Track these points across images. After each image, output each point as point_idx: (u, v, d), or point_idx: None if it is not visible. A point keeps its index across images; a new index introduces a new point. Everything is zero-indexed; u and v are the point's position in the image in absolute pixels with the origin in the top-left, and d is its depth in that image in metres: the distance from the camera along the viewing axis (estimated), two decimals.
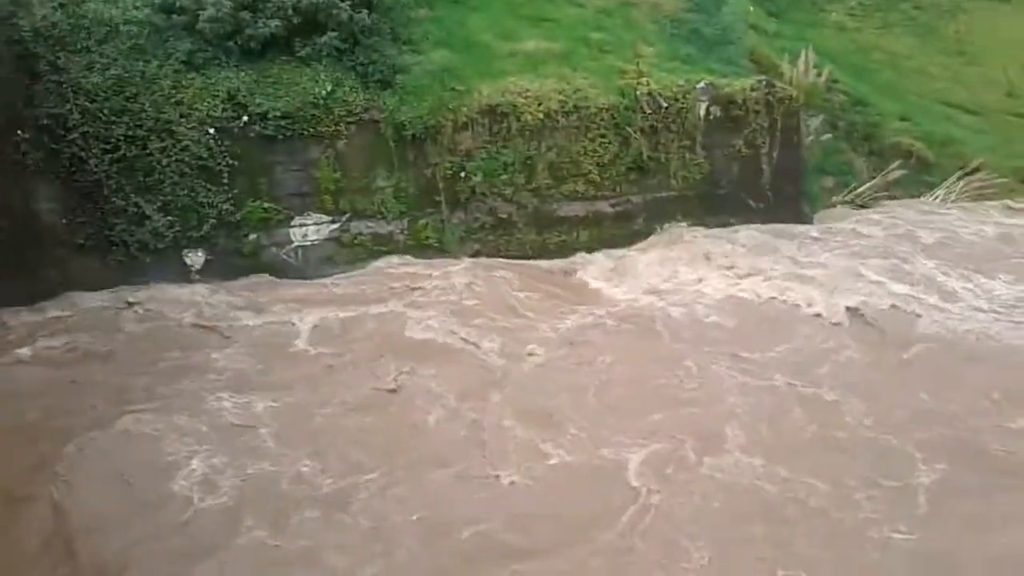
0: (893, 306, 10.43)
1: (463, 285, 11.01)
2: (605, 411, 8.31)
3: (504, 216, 12.22)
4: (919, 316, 10.19)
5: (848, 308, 10.34)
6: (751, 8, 16.61)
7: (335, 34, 12.03)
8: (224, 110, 11.36)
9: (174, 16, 11.76)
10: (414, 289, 11.04)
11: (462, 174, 12.12)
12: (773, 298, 10.75)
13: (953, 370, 9.01)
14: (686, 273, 11.64)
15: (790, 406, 8.37)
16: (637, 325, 10.28)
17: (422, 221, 12.10)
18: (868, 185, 14.02)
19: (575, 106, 12.55)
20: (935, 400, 8.42)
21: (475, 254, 11.99)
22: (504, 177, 12.18)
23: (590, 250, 12.36)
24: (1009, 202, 14.24)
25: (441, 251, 11.95)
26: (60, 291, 10.57)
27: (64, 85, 10.77)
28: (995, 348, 9.47)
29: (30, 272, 10.45)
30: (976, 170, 14.20)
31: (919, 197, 14.15)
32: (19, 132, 10.53)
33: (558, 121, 12.40)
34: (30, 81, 10.70)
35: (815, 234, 12.89)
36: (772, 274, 11.43)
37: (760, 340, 9.74)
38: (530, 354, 9.49)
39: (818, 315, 10.27)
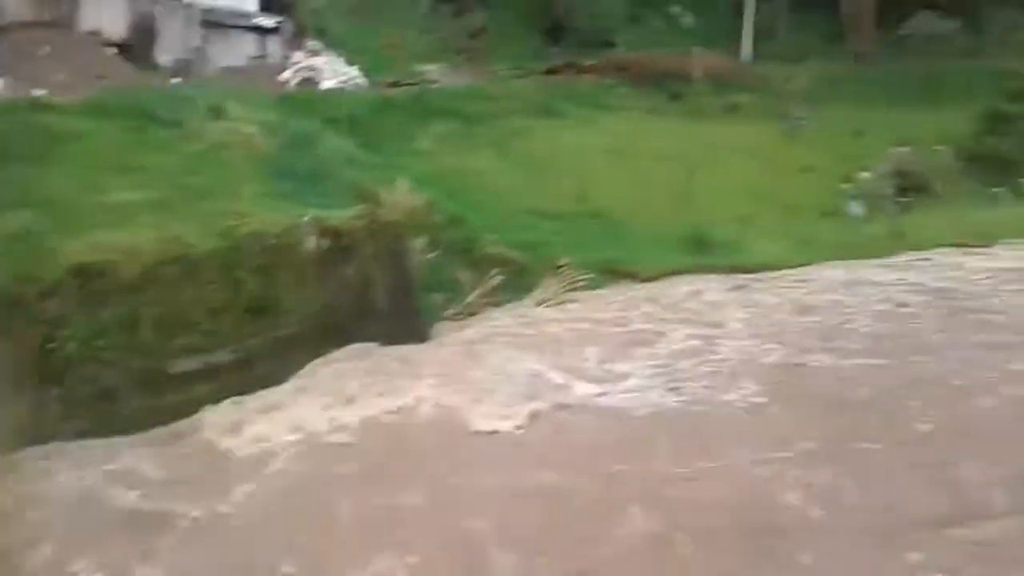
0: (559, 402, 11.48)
1: None
2: (326, 548, 8.47)
3: (109, 385, 11.24)
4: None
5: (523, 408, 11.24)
6: (345, 142, 17.37)
7: None
8: None
9: None
10: None
11: (53, 344, 11.02)
12: (440, 414, 11.24)
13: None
14: (338, 409, 11.52)
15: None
16: (304, 470, 10.21)
17: (8, 407, 10.71)
18: (474, 295, 15.04)
19: (177, 255, 12.07)
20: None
21: (81, 433, 10.83)
22: (103, 341, 11.27)
23: (213, 403, 11.68)
24: (600, 291, 16.02)
25: (38, 437, 10.64)
26: None
27: None
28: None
29: None
30: (563, 269, 15.85)
31: (521, 300, 15.42)
32: None
33: (160, 273, 11.82)
34: None
35: (452, 347, 13.53)
36: (434, 390, 11.82)
37: (450, 460, 10.12)
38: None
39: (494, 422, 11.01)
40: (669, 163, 19.61)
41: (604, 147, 20.21)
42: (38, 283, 11.02)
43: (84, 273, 11.33)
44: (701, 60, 25.47)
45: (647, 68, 25.41)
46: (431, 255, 15.16)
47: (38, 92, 16.51)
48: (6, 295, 10.78)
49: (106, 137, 14.98)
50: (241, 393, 11.93)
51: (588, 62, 25.53)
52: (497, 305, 15.07)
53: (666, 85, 25.12)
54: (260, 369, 12.33)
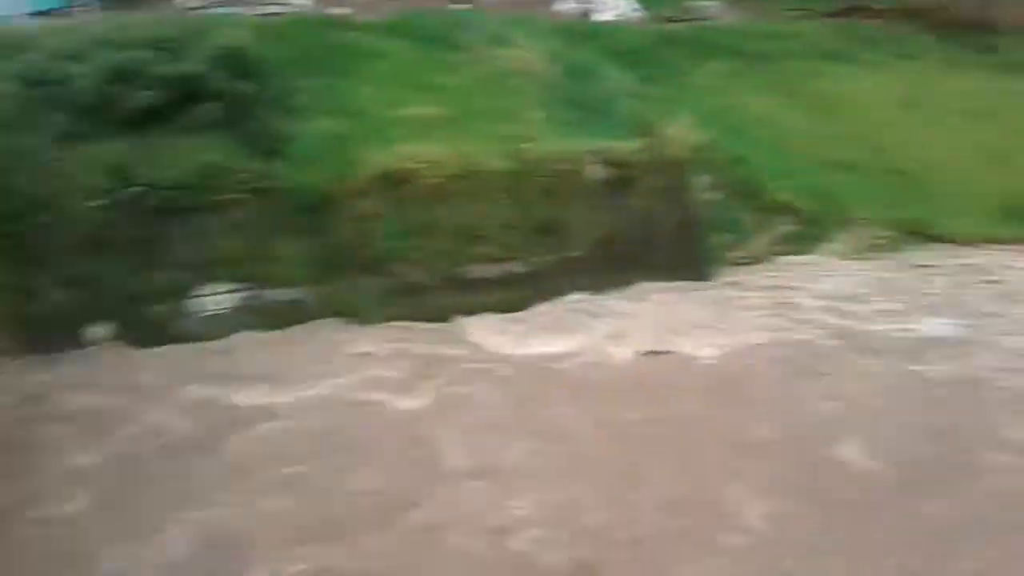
0: None
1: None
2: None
3: (414, 281, 11.73)
4: None
5: None
6: (625, 75, 16.91)
7: (216, 104, 11.43)
8: (110, 182, 10.56)
9: (45, 89, 11.01)
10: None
11: (365, 240, 11.56)
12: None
13: None
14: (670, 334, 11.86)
15: None
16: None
17: (329, 287, 11.48)
18: (761, 241, 14.22)
19: (471, 170, 12.26)
20: None
21: (389, 320, 11.53)
22: (408, 242, 11.70)
23: (503, 311, 12.01)
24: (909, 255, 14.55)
25: (354, 317, 11.36)
26: None
27: None
28: None
29: None
30: (858, 224, 14.60)
31: (810, 252, 14.37)
32: None
33: (456, 185, 12.05)
34: None
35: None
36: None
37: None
38: None
39: None
40: (978, 120, 17.56)
41: (900, 97, 18.40)
42: (350, 184, 11.55)
43: (391, 178, 11.79)
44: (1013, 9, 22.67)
45: (947, 16, 22.95)
46: (714, 194, 14.49)
47: (343, 10, 17.22)
48: (323, 192, 11.36)
49: (403, 56, 15.50)
50: (523, 306, 12.27)
51: (878, 6, 23.44)
52: (785, 255, 14.16)
53: (969, 35, 22.57)
54: (548, 283, 12.44)
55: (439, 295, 11.85)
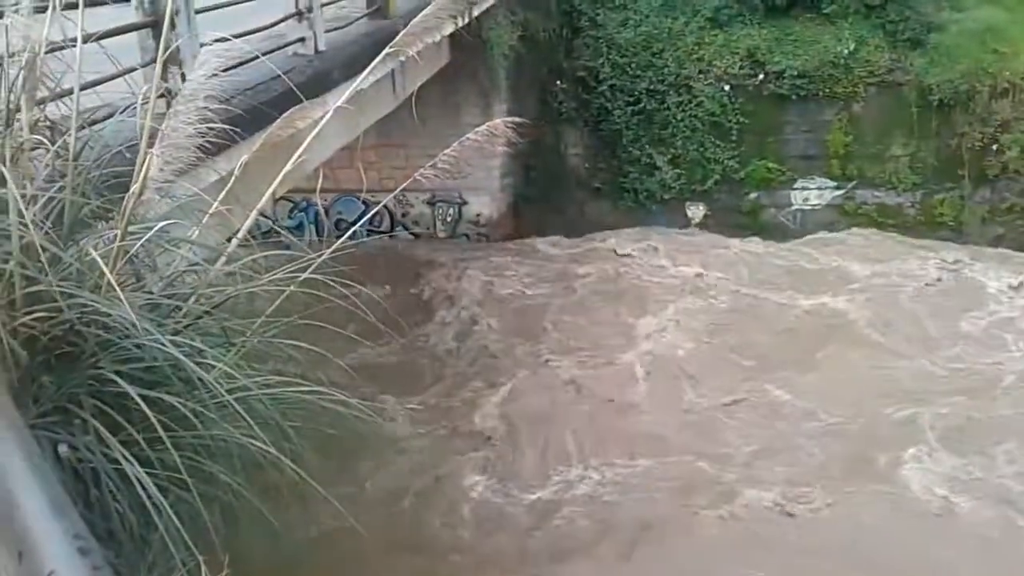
0: None
1: None
2: None
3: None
4: None
5: None
6: None
7: None
8: (741, 67, 11.43)
9: None
10: None
11: (994, 147, 10.84)
12: None
13: None
14: None
15: None
16: None
17: (938, 196, 11.14)
18: None
19: None
20: None
21: (996, 240, 10.78)
22: None
23: None
24: None
25: (955, 231, 10.97)
26: (577, 227, 11.56)
27: (600, 40, 11.60)
28: None
29: (554, 207, 11.64)
30: None
31: None
32: (558, 82, 11.63)
33: None
34: (572, 36, 11.68)
35: None
36: None
37: None
38: None
39: None
40: None
41: None
42: (993, 83, 10.78)
43: None
44: None
45: None
46: None
47: None
48: (958, 89, 10.82)
49: None
50: None
51: None
52: None
53: None
54: None
55: None
